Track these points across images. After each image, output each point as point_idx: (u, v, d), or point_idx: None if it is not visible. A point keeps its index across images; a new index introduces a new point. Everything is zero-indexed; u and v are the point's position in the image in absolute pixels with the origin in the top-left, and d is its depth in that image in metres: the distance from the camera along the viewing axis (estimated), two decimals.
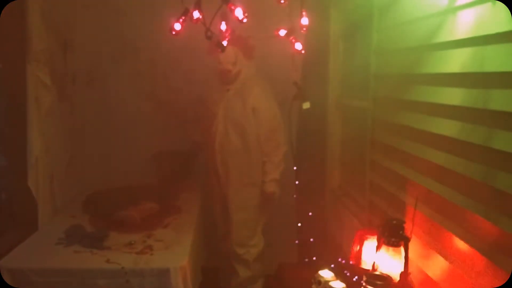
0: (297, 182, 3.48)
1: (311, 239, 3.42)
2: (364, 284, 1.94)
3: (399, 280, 1.95)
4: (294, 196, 3.57)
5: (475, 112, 1.53)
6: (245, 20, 2.17)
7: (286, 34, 2.79)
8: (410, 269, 1.96)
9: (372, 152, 2.63)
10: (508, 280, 1.26)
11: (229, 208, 3.21)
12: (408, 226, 1.98)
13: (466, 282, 1.60)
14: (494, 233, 1.44)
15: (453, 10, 1.68)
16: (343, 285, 2.04)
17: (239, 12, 2.14)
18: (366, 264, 2.21)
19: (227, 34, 2.53)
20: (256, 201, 3.21)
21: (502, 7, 1.34)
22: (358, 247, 2.26)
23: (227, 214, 3.23)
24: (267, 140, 3.11)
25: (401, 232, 1.95)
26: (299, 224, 3.52)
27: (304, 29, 2.64)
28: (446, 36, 1.74)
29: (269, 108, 3.13)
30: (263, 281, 3.40)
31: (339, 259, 2.44)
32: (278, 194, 3.19)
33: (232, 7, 2.15)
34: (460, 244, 1.64)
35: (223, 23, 2.48)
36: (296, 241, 3.61)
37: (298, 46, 2.84)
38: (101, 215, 2.90)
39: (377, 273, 1.97)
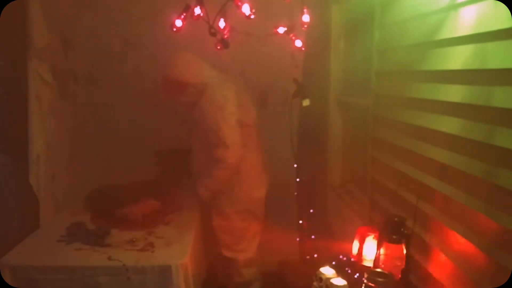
0: (298, 180, 3.48)
1: (312, 237, 3.41)
2: (365, 281, 1.93)
3: (400, 278, 1.95)
4: (295, 193, 3.56)
5: (477, 109, 1.53)
6: (252, 17, 2.16)
7: (286, 31, 2.79)
8: (412, 267, 1.96)
9: (373, 149, 2.62)
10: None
11: (211, 215, 3.16)
12: (409, 224, 1.98)
13: (468, 280, 1.60)
14: (495, 231, 1.44)
15: (455, 6, 1.68)
16: (345, 282, 2.03)
17: (246, 8, 2.13)
18: (367, 261, 2.21)
19: (226, 31, 2.53)
20: (237, 208, 3.13)
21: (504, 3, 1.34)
22: (359, 245, 2.27)
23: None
24: (213, 153, 2.96)
25: (402, 229, 1.95)
26: (300, 222, 3.52)
27: (305, 26, 2.63)
28: (448, 33, 1.73)
29: (209, 122, 2.92)
30: (260, 283, 3.37)
31: (341, 257, 2.43)
32: (204, 198, 3.05)
33: (239, 3, 2.14)
34: (462, 242, 1.64)
35: (222, 19, 2.48)
36: (297, 239, 3.61)
37: (298, 43, 2.84)
38: (103, 213, 2.91)
39: (378, 270, 1.97)
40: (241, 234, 3.20)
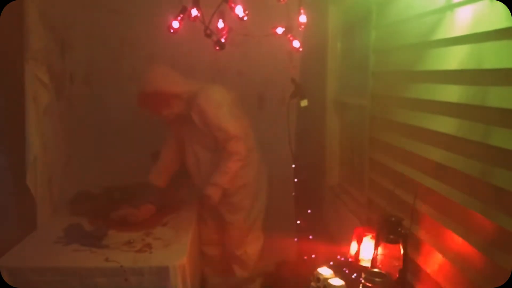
0: (296, 180, 3.48)
1: (310, 237, 3.42)
2: (363, 281, 1.94)
3: (397, 278, 1.95)
4: (293, 193, 3.57)
5: (473, 109, 1.53)
6: (245, 18, 2.17)
7: (284, 32, 2.79)
8: (409, 267, 1.96)
9: (370, 149, 2.63)
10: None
11: (221, 211, 3.17)
12: (406, 224, 1.98)
13: (465, 279, 1.60)
14: (492, 230, 1.45)
15: (451, 7, 1.68)
16: (342, 282, 2.04)
17: (239, 10, 2.14)
18: (365, 261, 2.22)
19: (224, 32, 2.53)
20: (249, 201, 3.18)
21: (500, 4, 1.34)
22: (357, 245, 2.27)
23: (217, 216, 3.20)
24: (222, 148, 2.99)
25: (399, 229, 1.96)
26: (298, 222, 3.52)
27: (302, 26, 2.64)
28: (444, 33, 1.74)
29: (212, 120, 2.94)
30: (261, 280, 3.39)
31: (338, 257, 2.44)
32: (215, 200, 3.01)
33: (232, 5, 2.14)
34: (459, 241, 1.64)
35: (220, 21, 2.48)
36: (295, 239, 3.61)
37: (296, 44, 2.84)
38: (95, 214, 2.90)
39: (376, 270, 1.98)
40: (251, 226, 3.25)
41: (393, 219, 1.98)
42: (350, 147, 3.39)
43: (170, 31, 2.29)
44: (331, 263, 2.31)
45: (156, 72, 3.01)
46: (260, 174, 3.30)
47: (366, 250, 2.22)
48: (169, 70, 3.04)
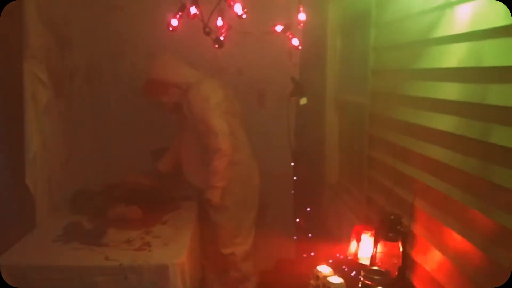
0: (295, 178, 3.48)
1: (309, 235, 3.42)
2: (362, 279, 1.94)
3: (396, 275, 1.96)
4: (292, 191, 3.57)
5: (472, 106, 1.53)
6: (244, 16, 2.17)
7: (283, 29, 2.79)
8: (408, 264, 1.97)
9: (370, 147, 2.63)
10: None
11: (207, 210, 3.15)
12: (406, 222, 1.98)
13: (464, 277, 1.60)
14: (492, 228, 1.45)
15: (451, 4, 1.68)
16: (341, 280, 2.04)
17: (238, 8, 2.13)
18: (364, 259, 2.22)
19: (223, 30, 2.53)
20: (235, 199, 3.14)
21: (499, 1, 1.34)
22: (356, 243, 2.27)
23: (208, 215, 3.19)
24: (206, 145, 2.97)
25: (399, 227, 1.96)
26: (297, 220, 3.53)
27: (302, 24, 2.63)
28: (444, 31, 1.74)
29: (197, 113, 2.95)
30: (256, 278, 3.38)
31: (337, 255, 2.44)
32: (216, 201, 2.98)
33: (231, 3, 2.14)
34: (458, 239, 1.64)
35: (219, 18, 2.48)
36: (294, 237, 3.62)
37: (295, 41, 2.84)
38: (98, 212, 2.90)
39: (375, 268, 1.98)
40: (238, 226, 3.22)
41: (392, 217, 1.99)
42: (350, 145, 3.39)
43: (169, 29, 2.29)
44: (330, 261, 2.31)
45: (160, 60, 3.08)
46: (248, 175, 3.23)
47: (365, 248, 2.22)
48: (174, 59, 3.09)
